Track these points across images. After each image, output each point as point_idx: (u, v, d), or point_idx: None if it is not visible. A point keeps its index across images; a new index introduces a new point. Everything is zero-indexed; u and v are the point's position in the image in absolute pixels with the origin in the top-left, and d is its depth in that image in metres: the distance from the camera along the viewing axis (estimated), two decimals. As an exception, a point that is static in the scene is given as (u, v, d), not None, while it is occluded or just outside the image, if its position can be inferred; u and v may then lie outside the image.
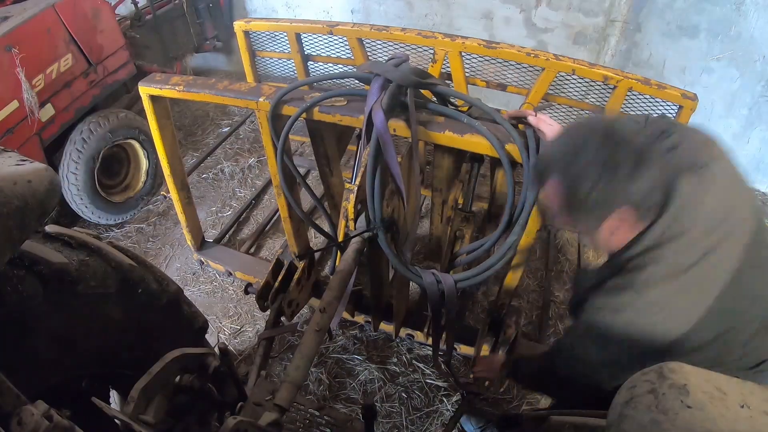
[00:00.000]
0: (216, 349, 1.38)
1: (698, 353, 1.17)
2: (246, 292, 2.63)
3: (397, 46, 2.87)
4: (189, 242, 3.00)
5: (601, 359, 1.24)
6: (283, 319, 2.10)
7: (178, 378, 1.31)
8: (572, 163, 1.13)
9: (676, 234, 1.12)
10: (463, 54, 2.69)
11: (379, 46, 2.96)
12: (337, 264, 1.89)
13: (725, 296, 1.12)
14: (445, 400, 2.46)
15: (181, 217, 2.84)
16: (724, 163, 1.21)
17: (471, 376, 1.99)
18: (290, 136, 2.08)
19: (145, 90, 2.29)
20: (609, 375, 1.22)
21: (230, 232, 3.48)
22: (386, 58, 2.21)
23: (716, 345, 1.18)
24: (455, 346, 2.48)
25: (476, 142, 1.78)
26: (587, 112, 2.78)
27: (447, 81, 2.82)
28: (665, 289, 1.13)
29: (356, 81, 2.03)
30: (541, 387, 1.72)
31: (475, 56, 2.76)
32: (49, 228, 1.36)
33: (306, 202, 3.00)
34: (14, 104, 2.75)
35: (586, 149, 1.11)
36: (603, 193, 1.10)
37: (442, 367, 2.51)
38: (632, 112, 2.65)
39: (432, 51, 2.72)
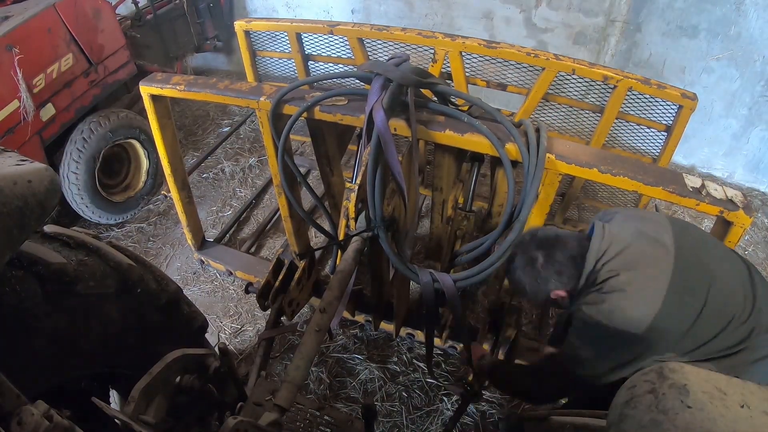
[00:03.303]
0: (216, 350, 1.38)
1: (681, 343, 1.41)
2: (246, 291, 2.63)
3: (397, 46, 2.87)
4: (189, 242, 3.00)
5: (596, 354, 1.47)
6: (283, 318, 2.10)
7: (178, 378, 1.31)
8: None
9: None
10: (463, 54, 2.69)
11: (380, 46, 2.96)
12: (337, 263, 1.89)
13: (674, 295, 1.37)
14: (445, 399, 2.46)
15: (182, 217, 2.84)
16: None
17: (470, 378, 2.00)
18: (291, 136, 2.08)
19: (146, 89, 2.29)
20: (608, 369, 1.45)
21: (231, 231, 3.48)
22: (387, 57, 2.20)
23: (693, 335, 1.41)
24: (454, 345, 2.48)
25: (476, 141, 1.78)
26: (587, 111, 2.79)
27: (447, 81, 2.82)
28: (623, 292, 1.41)
29: (357, 80, 2.03)
30: (522, 390, 1.86)
31: (476, 56, 2.76)
32: (48, 228, 1.36)
33: (306, 201, 3.00)
34: (15, 104, 2.75)
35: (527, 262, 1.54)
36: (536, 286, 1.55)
37: (435, 372, 2.52)
38: (632, 112, 2.65)
39: (432, 51, 2.72)
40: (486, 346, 2.25)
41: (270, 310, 2.07)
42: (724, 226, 1.65)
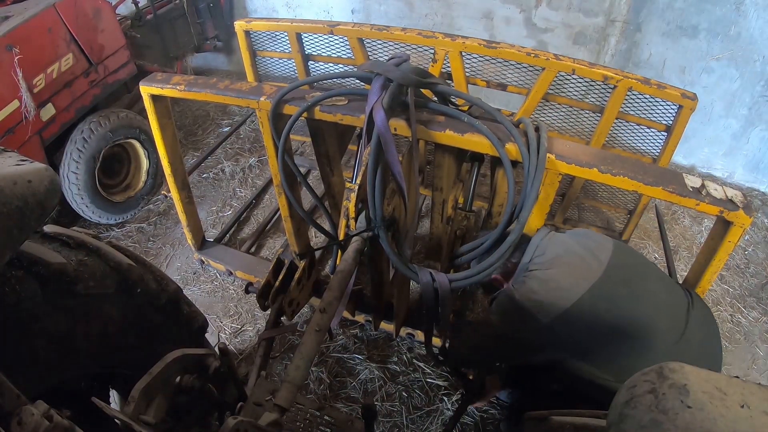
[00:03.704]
0: (216, 350, 1.38)
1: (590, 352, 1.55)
2: (246, 291, 2.63)
3: (397, 46, 2.87)
4: (189, 242, 3.00)
5: (503, 323, 1.69)
6: (283, 318, 2.10)
7: (178, 378, 1.31)
8: None
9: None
10: (463, 54, 2.69)
11: (380, 46, 2.96)
12: (337, 263, 1.89)
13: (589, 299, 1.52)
14: (445, 399, 2.46)
15: (182, 217, 2.84)
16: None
17: (470, 376, 2.01)
18: (291, 136, 2.08)
19: (146, 89, 2.29)
20: (512, 341, 1.67)
21: (231, 231, 3.48)
22: (387, 57, 2.20)
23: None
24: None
25: (477, 141, 1.78)
26: (587, 111, 2.79)
27: (447, 81, 2.81)
28: (544, 281, 1.62)
29: (357, 80, 2.03)
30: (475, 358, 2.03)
31: (476, 56, 2.76)
32: (48, 228, 1.35)
33: (306, 201, 3.01)
34: (15, 104, 2.75)
35: None
36: None
37: (436, 372, 2.53)
38: (632, 112, 2.65)
39: (432, 51, 2.72)
40: None
41: (270, 310, 2.07)
42: (724, 226, 1.65)
